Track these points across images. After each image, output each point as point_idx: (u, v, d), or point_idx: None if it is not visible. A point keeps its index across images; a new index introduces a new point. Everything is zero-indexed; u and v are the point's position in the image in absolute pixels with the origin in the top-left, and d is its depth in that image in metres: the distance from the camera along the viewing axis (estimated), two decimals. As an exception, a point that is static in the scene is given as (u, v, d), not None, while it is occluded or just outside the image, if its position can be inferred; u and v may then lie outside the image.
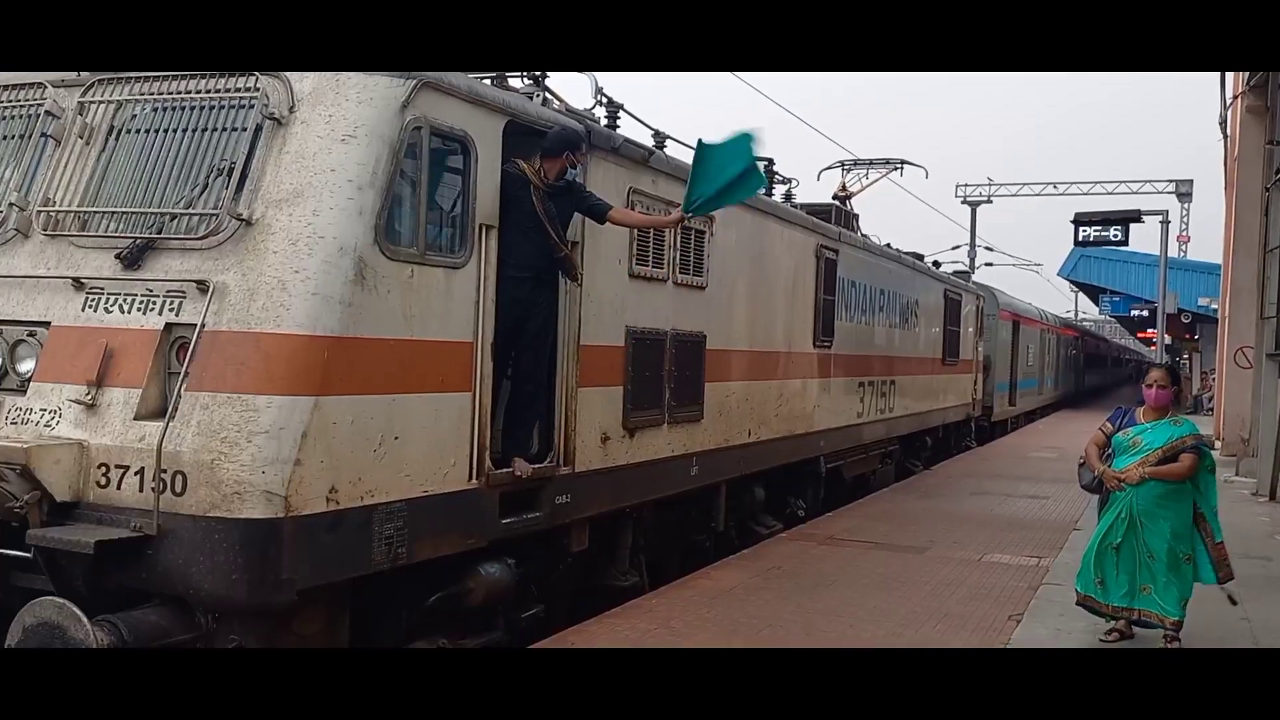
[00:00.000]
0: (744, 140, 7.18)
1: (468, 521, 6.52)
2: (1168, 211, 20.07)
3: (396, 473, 5.92)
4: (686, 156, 10.13)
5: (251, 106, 5.72)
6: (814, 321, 12.49)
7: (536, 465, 7.14)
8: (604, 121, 8.61)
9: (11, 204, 5.99)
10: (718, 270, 9.76)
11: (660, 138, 10.07)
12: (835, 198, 17.45)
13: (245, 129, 5.70)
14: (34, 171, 6.11)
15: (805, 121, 25.27)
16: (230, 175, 5.57)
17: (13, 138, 6.27)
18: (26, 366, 5.74)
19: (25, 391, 5.66)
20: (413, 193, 6.04)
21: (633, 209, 8.25)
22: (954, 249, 46.34)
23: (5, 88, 6.36)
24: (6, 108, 6.33)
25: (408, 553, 6.01)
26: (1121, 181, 41.96)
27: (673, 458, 9.08)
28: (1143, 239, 35.45)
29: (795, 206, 13.05)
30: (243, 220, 5.51)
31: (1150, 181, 41.06)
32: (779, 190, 13.16)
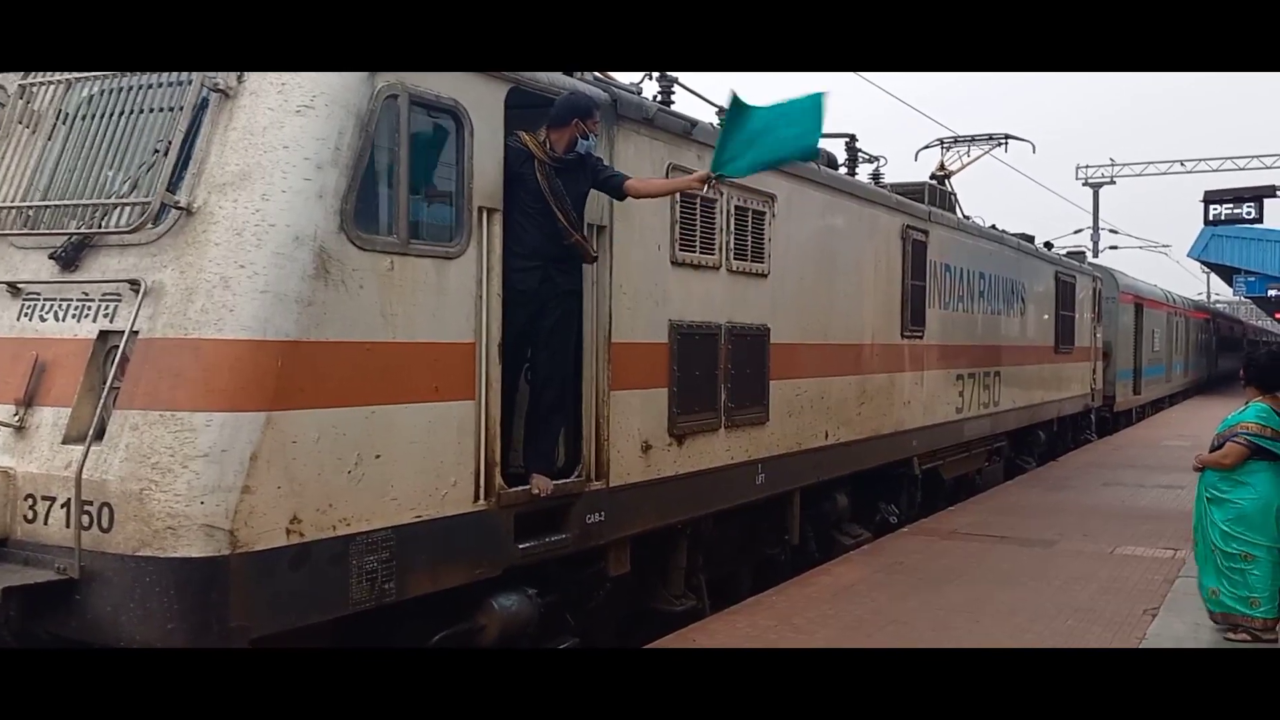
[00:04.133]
0: (811, 103, 6.08)
1: (475, 548, 5.68)
2: (1305, 184, 18.26)
3: (380, 496, 5.11)
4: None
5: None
6: (901, 310, 11.36)
7: (560, 481, 6.28)
8: (657, 98, 7.71)
9: (-47, 204, 5.36)
10: (782, 255, 8.76)
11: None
12: (933, 177, 16.28)
13: (190, 105, 4.95)
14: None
15: (901, 100, 23.90)
16: (167, 157, 4.82)
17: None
18: None
19: (-42, 415, 5.01)
20: (390, 172, 5.22)
21: (674, 188, 7.31)
22: (1076, 233, 44.26)
23: None
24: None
25: (397, 588, 5.21)
26: (1254, 156, 40.02)
27: (733, 465, 8.12)
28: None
29: (883, 186, 11.93)
30: (181, 209, 4.76)
31: (1285, 154, 38.79)
32: (865, 170, 12.08)
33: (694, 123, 7.54)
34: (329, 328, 4.86)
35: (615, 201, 6.52)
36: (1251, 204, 30.47)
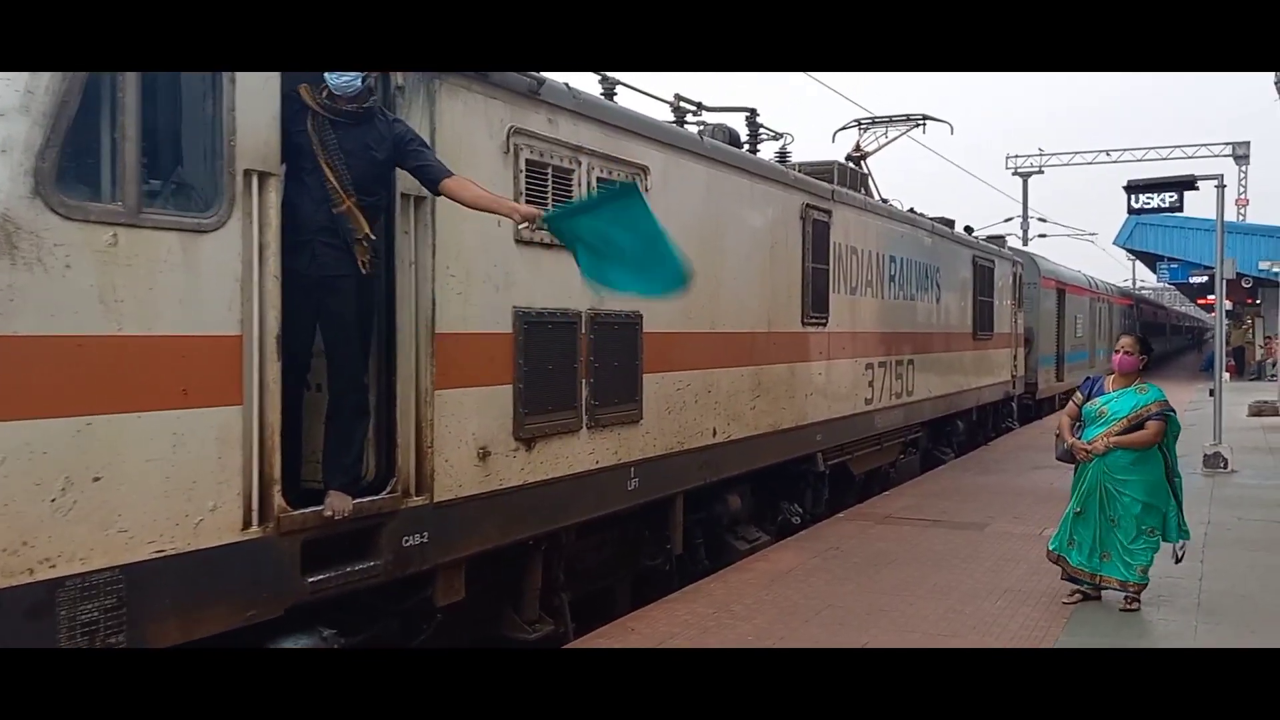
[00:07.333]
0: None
1: (246, 585, 4.67)
2: (1223, 176, 17.95)
3: (101, 528, 4.09)
4: (637, 104, 8.30)
5: None
6: (802, 295, 10.48)
7: (367, 499, 5.28)
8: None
9: None
10: (656, 234, 7.80)
11: (610, 84, 8.24)
12: (849, 158, 15.49)
13: None
14: None
15: (825, 84, 23.12)
16: None
17: None
18: None
19: None
20: (114, 123, 4.18)
21: (517, 155, 6.34)
22: (1006, 221, 44.44)
23: None
24: None
25: (129, 641, 4.18)
26: (1176, 146, 40.74)
27: (598, 470, 7.18)
28: (1202, 204, 33.15)
29: (790, 165, 11.01)
30: None
31: (1206, 145, 39.74)
32: (769, 147, 11.20)
33: (541, 80, 6.54)
34: (19, 319, 3.82)
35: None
36: (1171, 193, 30.38)
